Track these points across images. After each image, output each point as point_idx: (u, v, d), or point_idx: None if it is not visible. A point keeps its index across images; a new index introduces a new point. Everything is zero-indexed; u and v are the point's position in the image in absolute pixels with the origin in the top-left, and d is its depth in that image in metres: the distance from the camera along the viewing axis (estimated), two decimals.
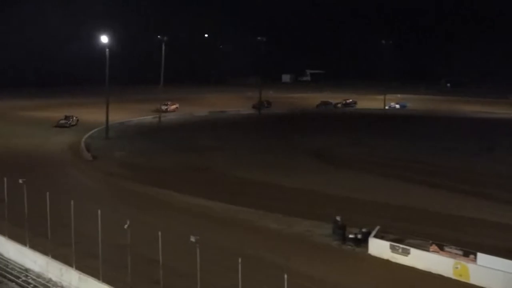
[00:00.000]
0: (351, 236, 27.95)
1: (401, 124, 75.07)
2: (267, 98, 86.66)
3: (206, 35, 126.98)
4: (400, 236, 27.25)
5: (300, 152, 54.32)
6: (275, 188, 39.38)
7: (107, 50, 55.94)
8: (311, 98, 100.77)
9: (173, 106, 78.83)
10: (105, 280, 19.52)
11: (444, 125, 72.62)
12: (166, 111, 74.64)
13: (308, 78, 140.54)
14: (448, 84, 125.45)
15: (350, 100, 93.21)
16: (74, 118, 65.16)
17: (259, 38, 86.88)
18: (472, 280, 22.66)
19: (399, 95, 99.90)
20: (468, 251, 23.76)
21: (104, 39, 57.40)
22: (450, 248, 24.82)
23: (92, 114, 67.63)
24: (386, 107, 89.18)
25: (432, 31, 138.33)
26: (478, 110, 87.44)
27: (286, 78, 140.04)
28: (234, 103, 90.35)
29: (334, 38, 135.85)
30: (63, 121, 63.26)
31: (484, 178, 42.35)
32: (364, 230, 27.84)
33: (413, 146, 56.90)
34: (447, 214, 33.03)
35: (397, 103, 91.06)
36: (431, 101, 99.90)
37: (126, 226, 18.76)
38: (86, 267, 20.97)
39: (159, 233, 18.39)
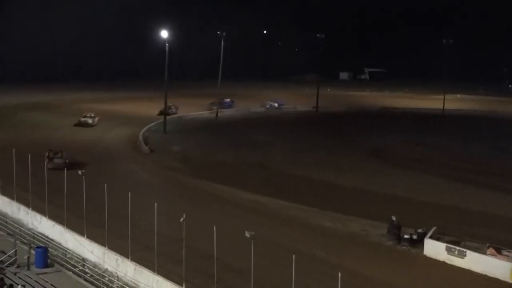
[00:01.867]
0: (406, 236, 27.76)
1: (459, 124, 73.04)
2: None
3: (265, 32, 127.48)
4: (457, 238, 26.88)
5: (357, 151, 54.18)
6: (331, 186, 39.29)
7: (166, 45, 56.59)
8: (370, 97, 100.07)
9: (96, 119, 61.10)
10: (159, 273, 19.66)
11: (502, 126, 70.11)
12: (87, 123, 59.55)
13: (367, 76, 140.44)
14: (510, 85, 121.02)
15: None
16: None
17: (318, 35, 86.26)
18: None
19: (458, 95, 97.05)
20: None
21: (164, 33, 58.06)
22: (508, 251, 24.51)
23: (148, 108, 69.80)
24: (267, 106, 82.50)
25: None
26: None
27: (344, 75, 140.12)
28: (291, 100, 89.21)
29: (395, 36, 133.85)
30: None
31: None
32: (419, 230, 27.58)
33: (471, 146, 56.13)
34: (507, 217, 32.08)
35: (275, 101, 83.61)
36: (491, 102, 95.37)
37: (181, 220, 18.89)
38: (142, 259, 21.20)
39: (214, 228, 18.34)
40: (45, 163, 30.30)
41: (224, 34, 70.49)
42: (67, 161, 37.24)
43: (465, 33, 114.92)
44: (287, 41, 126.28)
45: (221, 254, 19.03)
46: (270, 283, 20.31)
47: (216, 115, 71.04)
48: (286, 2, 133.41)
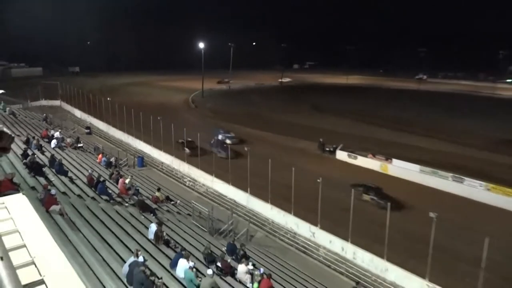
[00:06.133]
0: (327, 149, 46.08)
1: (360, 91, 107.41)
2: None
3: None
4: (353, 149, 44.64)
5: (305, 105, 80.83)
6: (292, 124, 60.56)
7: (202, 52, 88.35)
8: (310, 77, 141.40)
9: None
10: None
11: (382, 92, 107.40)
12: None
13: (307, 66, 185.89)
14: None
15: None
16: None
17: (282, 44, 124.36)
18: (390, 172, 40.40)
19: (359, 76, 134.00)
20: (388, 157, 41.57)
21: (201, 45, 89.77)
22: (379, 156, 42.28)
23: (191, 84, 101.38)
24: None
25: None
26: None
27: (296, 66, 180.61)
28: (269, 79, 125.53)
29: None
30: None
31: (415, 123, 63.94)
32: (334, 146, 45.92)
33: (365, 102, 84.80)
34: (379, 139, 51.90)
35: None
36: (381, 80, 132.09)
37: (246, 149, 35.28)
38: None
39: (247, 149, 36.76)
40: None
41: (232, 44, 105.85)
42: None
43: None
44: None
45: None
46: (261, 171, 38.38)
47: (229, 87, 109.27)
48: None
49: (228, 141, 46.63)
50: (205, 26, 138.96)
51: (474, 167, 40.11)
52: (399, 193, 33.39)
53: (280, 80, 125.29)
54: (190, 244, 20.32)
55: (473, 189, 34.72)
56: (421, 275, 20.06)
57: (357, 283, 19.40)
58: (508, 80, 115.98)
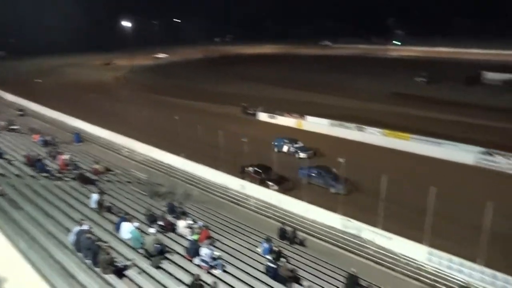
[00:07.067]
0: (249, 111, 46.66)
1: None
2: None
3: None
4: (272, 110, 45.38)
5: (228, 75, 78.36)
6: (215, 93, 59.56)
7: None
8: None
9: None
10: None
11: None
12: None
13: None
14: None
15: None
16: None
17: None
18: (304, 128, 41.70)
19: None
20: (302, 115, 42.86)
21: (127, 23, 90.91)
22: (294, 114, 43.51)
23: (123, 62, 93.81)
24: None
25: None
26: None
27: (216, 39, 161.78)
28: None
29: None
30: None
31: (324, 84, 67.98)
32: (255, 109, 46.51)
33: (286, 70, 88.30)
34: (296, 100, 53.34)
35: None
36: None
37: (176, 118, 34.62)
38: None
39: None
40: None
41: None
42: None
43: None
44: None
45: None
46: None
47: (158, 63, 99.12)
48: None
49: (301, 155, 32.60)
50: (133, 2, 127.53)
51: (372, 117, 42.57)
52: (313, 144, 34.73)
53: (204, 53, 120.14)
54: (132, 208, 19.80)
55: (373, 136, 37.01)
56: (334, 209, 21.33)
57: (283, 223, 20.17)
58: (394, 42, 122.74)
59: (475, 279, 16.59)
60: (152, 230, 14.95)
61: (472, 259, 16.76)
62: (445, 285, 16.90)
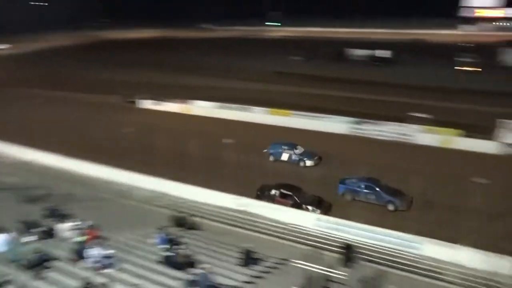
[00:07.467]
0: (130, 100, 44.65)
1: None
2: None
3: None
4: (156, 97, 43.90)
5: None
6: (96, 81, 55.18)
7: None
8: None
9: None
10: None
11: None
12: None
13: None
14: None
15: None
16: None
17: None
18: (192, 112, 41.09)
19: None
20: (188, 100, 42.21)
21: None
22: (180, 99, 42.49)
23: None
24: None
25: None
26: None
27: None
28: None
29: None
30: None
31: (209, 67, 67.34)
32: (136, 96, 44.41)
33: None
34: (182, 84, 52.22)
35: None
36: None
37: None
38: None
39: None
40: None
41: None
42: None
43: None
44: None
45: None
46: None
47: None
48: None
49: (308, 163, 27.66)
50: None
51: (256, 97, 44.06)
52: (202, 128, 34.68)
53: (74, 40, 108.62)
54: (4, 217, 17.55)
55: (257, 115, 38.43)
56: (222, 188, 21.83)
57: (176, 211, 19.96)
58: (267, 23, 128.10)
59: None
60: (29, 239, 13.57)
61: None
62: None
